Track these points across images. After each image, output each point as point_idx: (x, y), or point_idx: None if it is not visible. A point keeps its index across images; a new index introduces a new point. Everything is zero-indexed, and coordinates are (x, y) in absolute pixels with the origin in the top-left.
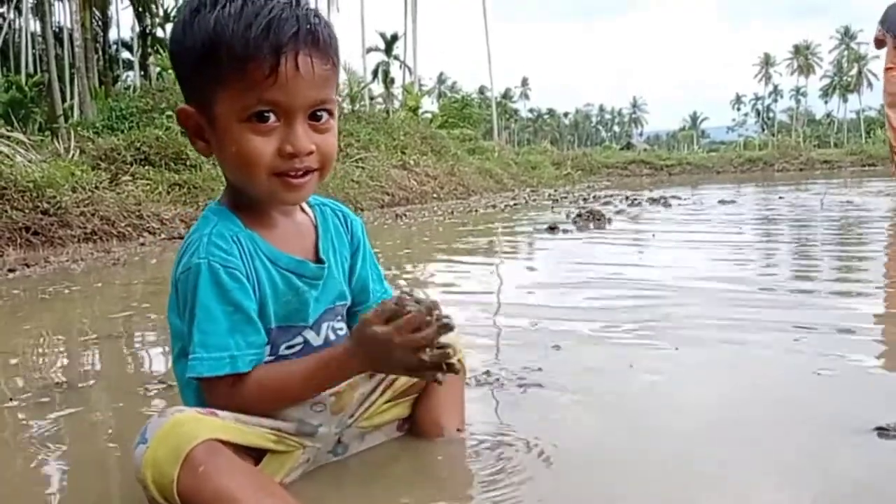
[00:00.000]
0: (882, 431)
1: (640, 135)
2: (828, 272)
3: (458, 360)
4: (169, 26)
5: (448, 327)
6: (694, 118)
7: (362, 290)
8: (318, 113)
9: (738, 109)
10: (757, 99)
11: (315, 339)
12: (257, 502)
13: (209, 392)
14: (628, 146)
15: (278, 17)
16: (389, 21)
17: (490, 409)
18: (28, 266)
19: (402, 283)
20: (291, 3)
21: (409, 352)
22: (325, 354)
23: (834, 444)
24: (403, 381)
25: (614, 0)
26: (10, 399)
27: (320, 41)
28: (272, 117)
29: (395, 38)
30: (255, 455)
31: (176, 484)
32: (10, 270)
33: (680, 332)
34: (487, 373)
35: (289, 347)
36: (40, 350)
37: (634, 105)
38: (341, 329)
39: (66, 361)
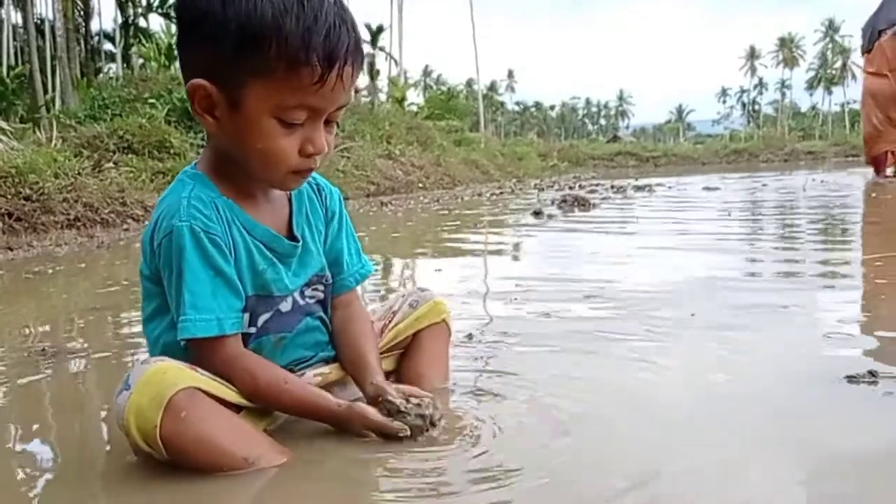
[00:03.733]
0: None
1: (627, 127)
2: (808, 239)
3: (444, 321)
4: (152, 16)
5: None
6: (680, 111)
7: (335, 262)
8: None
9: (724, 102)
10: (742, 92)
11: (284, 306)
12: (240, 448)
13: (197, 353)
14: (615, 139)
15: (336, 26)
16: (375, 12)
17: (474, 365)
18: (11, 250)
19: (394, 269)
20: (338, 8)
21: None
22: (324, 401)
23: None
24: (388, 338)
25: None
26: None
27: (362, 55)
28: (303, 117)
29: (380, 29)
30: (235, 409)
31: (159, 429)
32: None
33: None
34: (470, 335)
35: (264, 318)
36: (25, 321)
37: (621, 98)
38: (312, 297)
39: (50, 329)
